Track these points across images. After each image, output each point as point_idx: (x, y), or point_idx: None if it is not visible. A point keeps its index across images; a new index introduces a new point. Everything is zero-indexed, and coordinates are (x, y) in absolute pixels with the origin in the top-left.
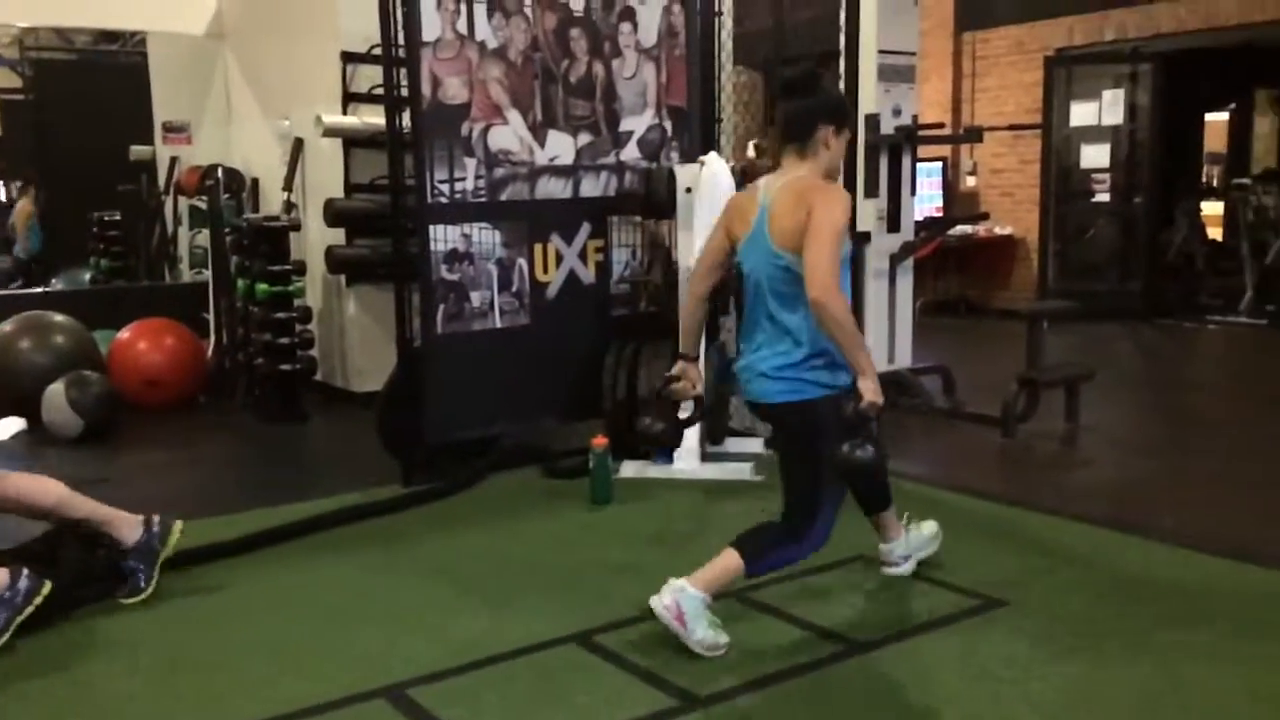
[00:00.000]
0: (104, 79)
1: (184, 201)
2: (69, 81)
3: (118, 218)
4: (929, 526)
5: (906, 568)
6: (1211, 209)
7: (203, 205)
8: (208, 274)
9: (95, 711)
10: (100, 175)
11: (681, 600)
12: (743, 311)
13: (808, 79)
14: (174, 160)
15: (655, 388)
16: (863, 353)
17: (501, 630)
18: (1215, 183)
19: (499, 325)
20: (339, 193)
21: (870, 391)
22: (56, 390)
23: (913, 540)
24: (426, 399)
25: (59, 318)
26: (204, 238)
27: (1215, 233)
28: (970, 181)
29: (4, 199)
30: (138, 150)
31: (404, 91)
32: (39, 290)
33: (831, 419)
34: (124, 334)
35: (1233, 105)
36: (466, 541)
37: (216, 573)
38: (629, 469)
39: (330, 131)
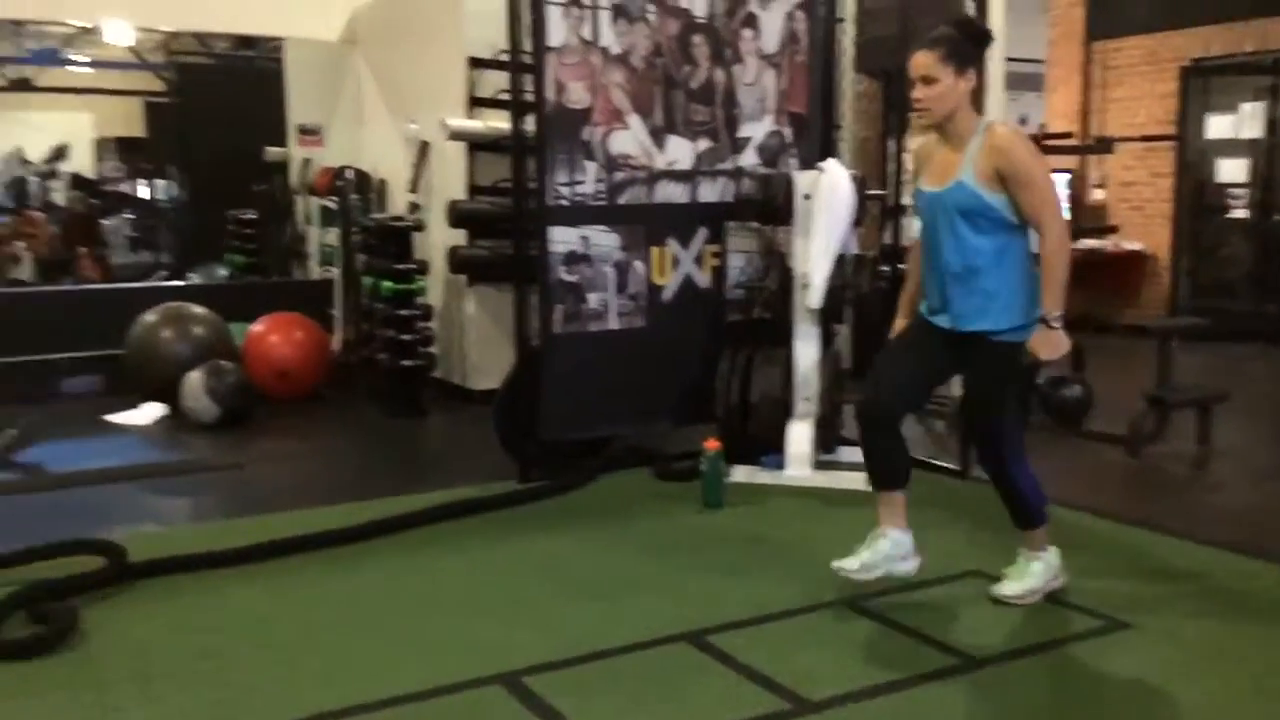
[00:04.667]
0: (242, 83)
1: (315, 201)
2: (209, 85)
3: (253, 216)
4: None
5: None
6: None
7: (333, 205)
8: (335, 271)
9: (226, 681)
10: (237, 175)
11: None
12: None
13: None
14: (306, 161)
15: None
16: None
17: (613, 626)
18: None
19: (615, 327)
20: (462, 194)
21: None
22: (195, 378)
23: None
24: (543, 398)
25: (198, 309)
26: (333, 236)
27: None
28: (1098, 194)
29: (148, 196)
30: (272, 152)
31: (529, 96)
32: (180, 283)
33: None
34: (257, 326)
35: None
36: (579, 538)
37: (341, 557)
38: (740, 474)
39: (455, 135)
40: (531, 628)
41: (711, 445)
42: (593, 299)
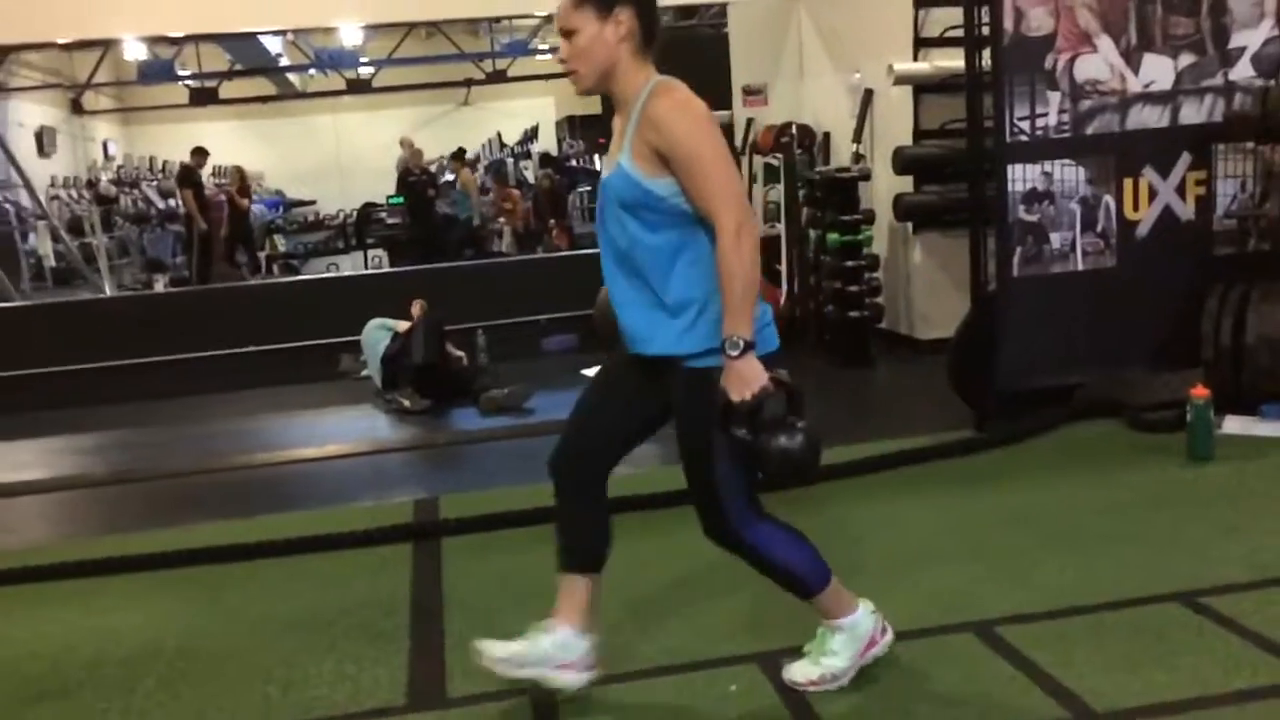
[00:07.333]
0: (685, 51)
1: (758, 160)
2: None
3: None
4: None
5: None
6: None
7: (775, 162)
8: (780, 227)
9: (716, 611)
10: None
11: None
12: None
13: None
14: (750, 121)
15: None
16: None
17: (1090, 581)
18: None
19: (1081, 267)
20: (907, 140)
21: None
22: None
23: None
24: (1001, 344)
25: None
26: (776, 193)
27: None
28: None
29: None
30: (717, 115)
31: (984, 29)
32: None
33: None
34: None
35: None
36: (1045, 489)
37: (803, 499)
38: (1233, 424)
39: (901, 79)
40: (1003, 578)
41: (1198, 393)
42: (1056, 239)
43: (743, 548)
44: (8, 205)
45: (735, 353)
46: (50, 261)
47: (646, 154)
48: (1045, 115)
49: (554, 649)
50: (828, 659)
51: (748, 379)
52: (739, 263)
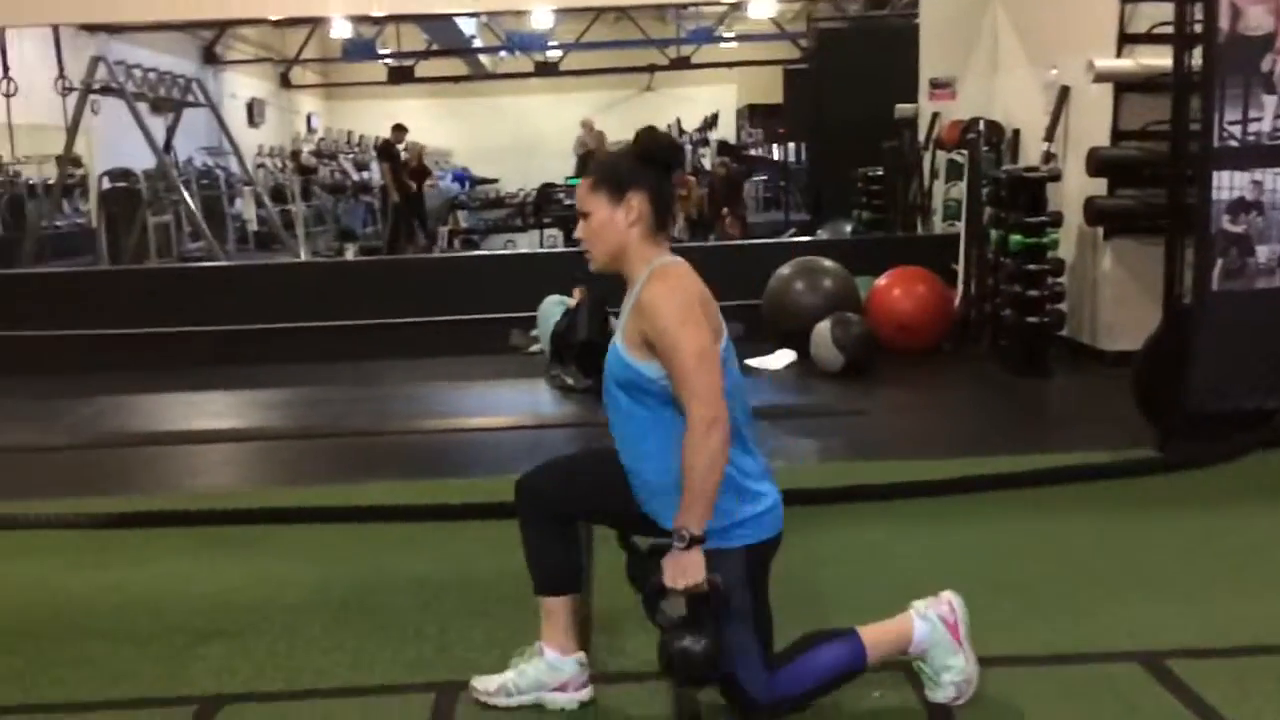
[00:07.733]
0: (874, 43)
1: (941, 155)
2: (842, 48)
3: (880, 173)
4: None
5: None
6: None
7: (960, 158)
8: (959, 225)
9: (856, 609)
10: (867, 133)
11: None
12: None
13: None
14: (935, 116)
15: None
16: None
17: (1275, 619)
18: None
19: None
20: (1104, 141)
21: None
22: (823, 328)
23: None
24: (1193, 362)
25: (828, 263)
26: (959, 190)
27: None
28: None
29: (780, 158)
30: (902, 108)
31: (1196, 27)
32: (809, 239)
33: None
34: (881, 280)
35: None
36: (1232, 518)
37: (963, 507)
38: None
39: (1102, 76)
40: (1176, 608)
41: None
42: (1263, 252)
43: (779, 709)
44: (219, 171)
45: (681, 545)
46: (253, 226)
47: (636, 340)
48: (1259, 120)
49: (543, 674)
50: (945, 675)
51: (685, 571)
52: (701, 458)
